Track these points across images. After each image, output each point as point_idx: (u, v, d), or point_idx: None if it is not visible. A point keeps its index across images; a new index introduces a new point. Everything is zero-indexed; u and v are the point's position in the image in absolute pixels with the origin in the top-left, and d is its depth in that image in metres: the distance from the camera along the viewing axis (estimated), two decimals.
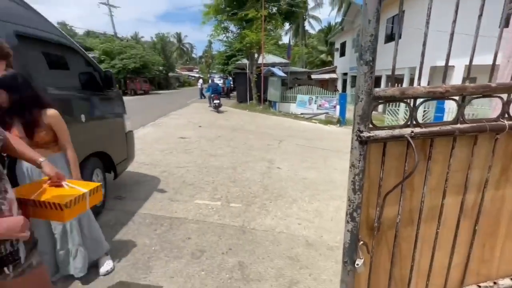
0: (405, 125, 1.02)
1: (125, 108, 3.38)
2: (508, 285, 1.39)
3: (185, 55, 67.17)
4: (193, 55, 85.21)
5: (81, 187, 1.31)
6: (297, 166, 4.99)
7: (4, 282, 0.95)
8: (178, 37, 58.55)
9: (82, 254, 1.90)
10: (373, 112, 1.01)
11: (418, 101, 1.04)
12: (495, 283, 1.38)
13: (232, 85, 23.50)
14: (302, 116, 11.68)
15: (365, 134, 0.94)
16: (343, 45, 20.93)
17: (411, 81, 11.87)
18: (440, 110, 9.52)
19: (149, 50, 30.08)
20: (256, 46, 13.58)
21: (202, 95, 18.82)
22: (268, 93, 14.00)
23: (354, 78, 18.44)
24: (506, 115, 1.10)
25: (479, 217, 1.23)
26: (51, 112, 1.70)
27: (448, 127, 1.03)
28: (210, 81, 16.39)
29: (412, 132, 0.98)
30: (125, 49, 24.17)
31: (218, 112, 12.12)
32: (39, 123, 1.65)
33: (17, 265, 0.96)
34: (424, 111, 9.82)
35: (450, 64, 1.04)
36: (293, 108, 12.60)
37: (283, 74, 13.50)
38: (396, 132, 0.98)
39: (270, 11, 13.80)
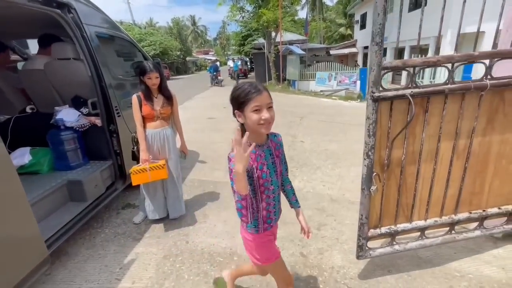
0: (406, 87, 1.40)
1: None
2: (495, 212, 1.78)
3: (200, 38, 66.89)
4: (208, 37, 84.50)
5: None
6: (319, 139, 5.37)
7: None
8: (192, 20, 58.25)
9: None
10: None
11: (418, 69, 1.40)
12: (484, 210, 1.77)
13: (243, 67, 22.31)
14: (322, 93, 11.78)
15: (376, 94, 1.34)
16: (363, 16, 20.02)
17: (437, 50, 11.42)
18: (467, 79, 9.27)
19: (166, 36, 30.54)
20: (273, 25, 13.53)
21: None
22: (286, 72, 14.09)
23: None
24: (489, 76, 1.44)
25: (469, 158, 1.60)
26: (173, 92, 2.37)
27: (440, 87, 1.40)
28: (229, 62, 17.69)
29: (412, 91, 1.36)
30: (144, 36, 24.80)
31: (222, 86, 16.13)
32: (172, 99, 2.33)
33: None
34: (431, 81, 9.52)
35: (479, 30, 1.30)
36: (313, 85, 12.67)
37: (301, 52, 13.46)
38: (400, 92, 1.37)
39: None
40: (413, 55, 11.56)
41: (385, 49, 15.52)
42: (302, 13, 32.06)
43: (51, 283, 1.91)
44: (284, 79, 14.38)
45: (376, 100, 1.35)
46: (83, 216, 2.22)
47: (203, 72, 38.19)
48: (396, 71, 1.41)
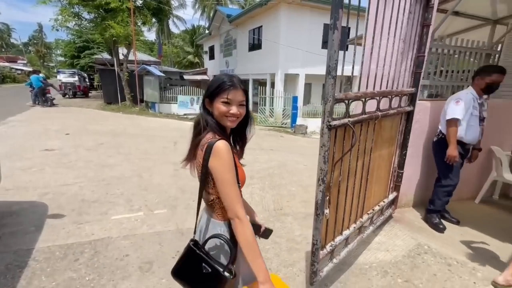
0: (344, 117, 1.61)
1: None
2: (377, 210, 2.34)
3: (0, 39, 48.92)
4: (13, 41, 63.94)
5: None
6: None
7: None
8: None
9: None
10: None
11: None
12: (372, 210, 2.29)
13: (81, 84, 18.08)
14: (186, 116, 11.64)
15: (332, 123, 1.43)
16: (211, 48, 22.09)
17: (272, 84, 14.38)
18: (295, 107, 12.18)
19: None
20: (124, 41, 12.11)
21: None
22: (144, 93, 12.89)
23: None
24: (379, 109, 1.93)
25: (368, 171, 2.04)
26: None
27: (360, 117, 1.71)
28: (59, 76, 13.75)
29: (349, 120, 1.57)
30: None
31: (54, 106, 12.63)
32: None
33: None
34: (284, 109, 12.18)
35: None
36: (175, 109, 12.31)
37: (160, 73, 12.82)
38: (343, 121, 1.54)
39: (135, 4, 12.61)
40: (255, 85, 13.91)
41: None
42: (149, 35, 30.98)
43: None
44: (142, 101, 13.05)
45: (330, 128, 1.44)
46: None
47: (11, 86, 27.75)
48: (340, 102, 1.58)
